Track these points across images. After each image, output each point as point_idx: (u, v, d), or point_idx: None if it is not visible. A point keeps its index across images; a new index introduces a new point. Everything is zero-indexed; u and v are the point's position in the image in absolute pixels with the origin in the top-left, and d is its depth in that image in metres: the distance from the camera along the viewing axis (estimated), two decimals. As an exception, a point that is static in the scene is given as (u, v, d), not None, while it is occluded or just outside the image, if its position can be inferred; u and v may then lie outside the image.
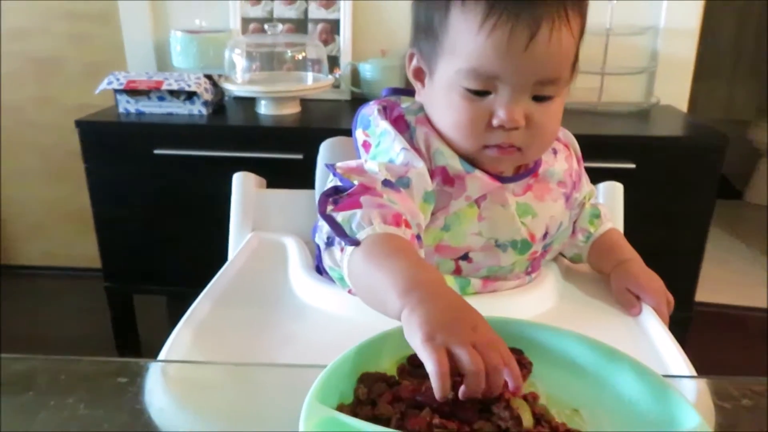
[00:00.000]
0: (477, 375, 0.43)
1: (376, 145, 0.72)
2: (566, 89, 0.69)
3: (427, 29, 0.69)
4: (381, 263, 0.55)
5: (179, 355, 0.60)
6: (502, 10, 0.61)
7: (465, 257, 0.72)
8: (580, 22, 0.66)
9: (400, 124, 0.72)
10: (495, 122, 0.65)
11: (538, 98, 0.66)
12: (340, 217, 0.60)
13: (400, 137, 0.69)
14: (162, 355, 0.60)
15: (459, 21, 0.64)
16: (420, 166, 0.67)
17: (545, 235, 0.75)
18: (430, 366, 0.43)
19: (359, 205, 0.60)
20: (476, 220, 0.71)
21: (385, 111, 0.74)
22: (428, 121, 0.72)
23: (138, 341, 1.86)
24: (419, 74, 0.73)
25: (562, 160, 0.78)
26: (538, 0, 0.61)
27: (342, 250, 0.60)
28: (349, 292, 0.68)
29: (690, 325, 1.64)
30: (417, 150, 0.69)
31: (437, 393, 0.43)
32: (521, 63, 0.62)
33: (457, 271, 0.73)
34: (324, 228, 0.63)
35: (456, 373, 0.44)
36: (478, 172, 0.70)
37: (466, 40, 0.63)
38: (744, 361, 1.80)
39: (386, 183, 0.65)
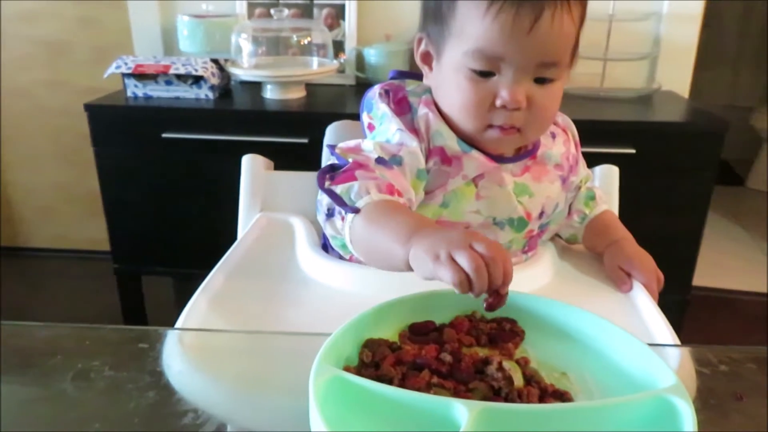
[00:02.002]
0: (477, 270, 0.48)
1: (378, 126, 0.76)
2: (567, 73, 0.72)
3: (435, 14, 0.72)
4: (381, 224, 0.60)
5: (195, 324, 0.64)
6: None
7: None
8: (581, 10, 0.69)
9: (403, 105, 0.76)
10: (498, 102, 0.68)
11: (540, 80, 0.69)
12: (338, 189, 0.65)
13: (396, 119, 0.73)
14: (179, 324, 0.64)
15: (466, 5, 0.67)
16: (413, 145, 0.71)
17: (541, 214, 0.79)
18: (448, 278, 0.49)
19: (354, 179, 0.65)
20: (474, 199, 0.74)
21: (387, 94, 0.77)
22: (433, 103, 0.75)
23: (146, 321, 1.91)
24: (427, 58, 0.76)
25: (560, 144, 0.81)
26: None
27: (342, 219, 0.65)
28: (350, 259, 0.72)
29: (687, 308, 1.67)
30: (416, 131, 0.73)
31: (462, 291, 0.49)
32: (525, 45, 0.65)
33: None
34: (324, 201, 0.68)
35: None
36: (474, 152, 0.73)
37: (473, 23, 0.66)
38: (740, 344, 1.83)
39: (379, 160, 0.69)
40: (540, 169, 0.78)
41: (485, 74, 0.68)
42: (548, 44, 0.66)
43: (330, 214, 0.67)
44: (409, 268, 0.54)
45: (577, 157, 0.86)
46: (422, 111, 0.75)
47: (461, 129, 0.73)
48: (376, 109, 0.77)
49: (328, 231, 0.69)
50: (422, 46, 0.76)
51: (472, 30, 0.67)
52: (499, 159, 0.75)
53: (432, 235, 0.53)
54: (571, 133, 0.85)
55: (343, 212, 0.64)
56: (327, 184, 0.67)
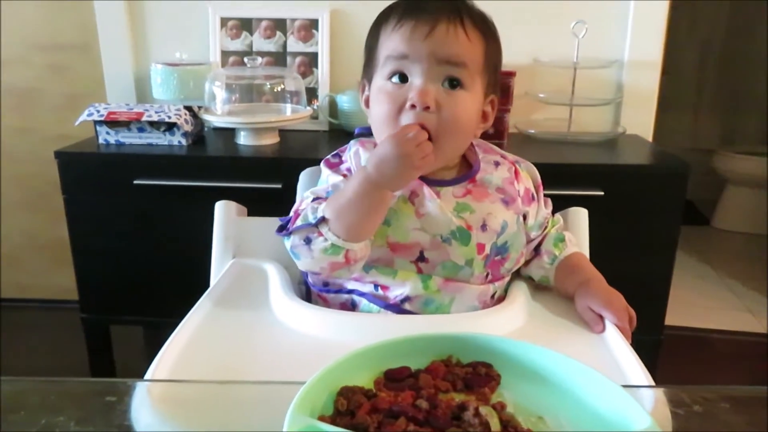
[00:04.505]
0: (419, 145, 0.72)
1: None
2: (477, 88, 0.79)
3: (368, 56, 0.84)
4: (345, 200, 0.74)
5: (165, 374, 0.62)
6: (409, 15, 0.77)
7: (422, 258, 0.80)
8: (481, 40, 0.79)
9: (344, 154, 0.87)
10: (408, 103, 0.77)
11: (449, 84, 0.77)
12: (297, 222, 0.77)
13: (328, 169, 0.85)
14: (148, 375, 0.62)
15: (383, 34, 0.80)
16: (338, 179, 0.82)
17: (484, 226, 0.81)
18: (430, 162, 0.74)
19: (299, 213, 0.78)
20: (415, 217, 0.80)
21: (336, 155, 0.88)
22: (369, 141, 0.85)
23: (114, 373, 1.85)
24: (368, 101, 0.85)
25: (504, 171, 0.87)
26: (439, 10, 0.76)
27: (319, 234, 0.76)
28: (347, 260, 0.77)
29: (660, 347, 1.69)
30: (348, 169, 0.84)
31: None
32: (424, 45, 0.76)
33: (419, 272, 0.80)
34: (296, 238, 0.77)
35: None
36: None
37: (386, 43, 0.79)
38: (713, 383, 1.85)
39: (314, 200, 0.80)
40: (481, 191, 0.84)
41: (400, 79, 0.78)
42: (447, 44, 0.76)
43: (308, 241, 0.77)
44: (392, 194, 0.75)
45: (536, 195, 0.90)
46: (353, 148, 0.86)
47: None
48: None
49: (316, 252, 0.76)
50: (365, 92, 0.86)
51: (384, 47, 0.79)
52: (439, 183, 0.81)
53: (380, 164, 0.72)
54: (527, 172, 0.90)
55: (316, 230, 0.76)
56: (287, 229, 0.78)
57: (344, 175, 0.83)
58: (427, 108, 0.76)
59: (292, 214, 0.81)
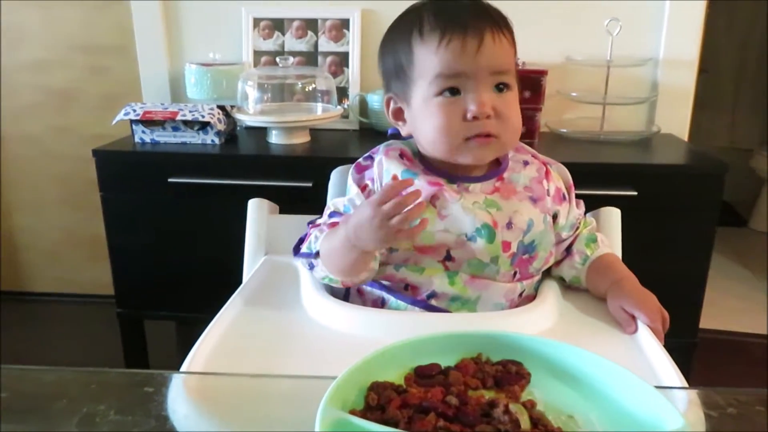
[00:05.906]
0: (401, 217, 0.69)
1: None
2: (516, 86, 0.82)
3: (397, 71, 0.83)
4: (331, 248, 0.80)
5: (200, 367, 0.64)
6: (453, 30, 0.77)
7: (449, 257, 0.81)
8: (512, 42, 0.82)
9: (369, 162, 0.88)
10: (469, 115, 0.78)
11: (499, 88, 0.79)
12: (303, 247, 0.85)
13: (355, 174, 0.88)
14: (184, 367, 0.64)
15: (421, 50, 0.79)
16: (354, 192, 0.86)
17: (510, 224, 0.81)
18: (406, 236, 0.72)
19: (308, 234, 0.85)
20: (438, 219, 0.80)
21: (368, 158, 0.89)
22: (397, 149, 0.87)
23: (148, 366, 1.89)
24: (399, 114, 0.86)
25: (533, 171, 0.87)
26: (479, 21, 0.77)
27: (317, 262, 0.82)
28: (345, 286, 0.85)
29: (695, 350, 1.66)
30: (371, 179, 0.86)
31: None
32: (477, 59, 0.77)
33: (446, 269, 0.81)
34: (303, 263, 0.86)
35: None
36: (417, 180, 0.82)
37: (430, 60, 0.78)
38: (748, 387, 1.80)
39: (332, 214, 0.86)
40: (508, 189, 0.84)
41: (451, 93, 0.78)
42: (496, 55, 0.78)
43: (311, 267, 0.85)
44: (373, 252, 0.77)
45: (567, 196, 0.89)
46: (378, 158, 0.86)
47: (442, 153, 0.81)
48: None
49: (318, 277, 0.84)
50: (392, 105, 0.86)
51: (430, 65, 0.78)
52: (468, 179, 0.82)
53: (357, 228, 0.73)
54: (558, 173, 0.90)
55: (316, 260, 0.82)
56: (298, 249, 0.86)
57: (364, 187, 0.85)
58: (487, 117, 0.78)
59: (308, 229, 0.87)
